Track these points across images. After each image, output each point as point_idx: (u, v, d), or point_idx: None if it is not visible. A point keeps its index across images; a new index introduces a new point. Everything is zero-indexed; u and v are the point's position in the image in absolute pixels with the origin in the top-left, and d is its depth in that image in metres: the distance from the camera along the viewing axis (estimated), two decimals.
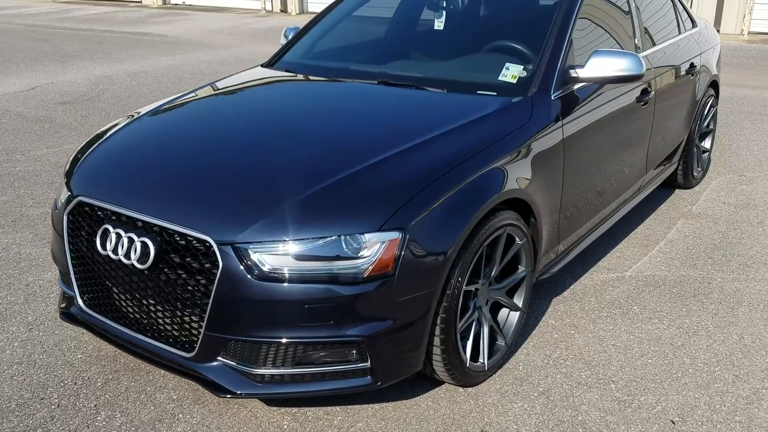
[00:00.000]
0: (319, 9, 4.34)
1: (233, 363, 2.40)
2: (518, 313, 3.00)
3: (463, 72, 3.46)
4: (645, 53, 3.91)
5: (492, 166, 2.68)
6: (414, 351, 2.49)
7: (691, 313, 3.38)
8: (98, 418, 2.64)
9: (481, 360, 2.81)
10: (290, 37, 4.03)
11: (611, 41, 3.75)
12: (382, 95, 3.25)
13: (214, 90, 3.54)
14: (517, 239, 2.85)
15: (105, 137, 3.05)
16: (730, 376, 2.90)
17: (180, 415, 2.65)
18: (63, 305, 2.91)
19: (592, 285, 3.66)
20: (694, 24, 4.94)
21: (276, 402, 2.71)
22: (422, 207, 2.42)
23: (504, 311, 3.00)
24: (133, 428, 2.58)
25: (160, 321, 2.49)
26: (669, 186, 5.02)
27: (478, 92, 3.17)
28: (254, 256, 2.29)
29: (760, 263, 3.89)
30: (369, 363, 2.40)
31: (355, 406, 2.71)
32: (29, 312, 3.36)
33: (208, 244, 2.32)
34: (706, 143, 5.22)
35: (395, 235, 2.34)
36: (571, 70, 3.21)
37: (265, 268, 2.29)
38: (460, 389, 2.81)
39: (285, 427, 2.59)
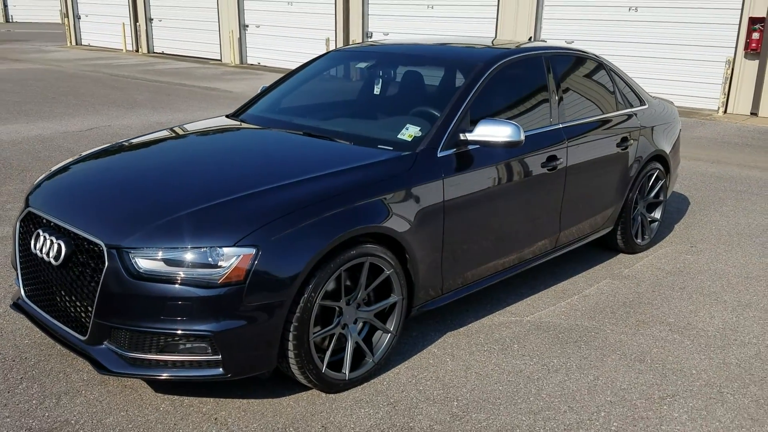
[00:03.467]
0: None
1: (114, 347, 2.97)
2: (389, 335, 3.46)
3: (375, 129, 4.03)
4: (560, 125, 4.36)
5: (356, 204, 3.20)
6: (264, 351, 2.99)
7: (563, 355, 3.74)
8: (20, 387, 3.25)
9: (343, 371, 3.28)
10: (256, 94, 4.70)
11: (526, 112, 4.24)
12: (297, 143, 3.83)
13: (168, 131, 4.24)
14: (385, 269, 3.34)
15: (61, 167, 3.75)
16: (564, 407, 3.25)
17: (83, 391, 3.23)
18: (15, 299, 3.55)
19: (490, 325, 4.07)
20: (642, 102, 5.34)
21: (161, 388, 3.25)
22: (279, 230, 2.96)
23: (378, 332, 3.47)
24: (43, 396, 3.17)
25: (67, 309, 3.09)
26: (612, 250, 5.36)
27: (379, 146, 3.70)
28: (132, 259, 2.87)
29: (657, 321, 4.20)
30: (220, 356, 2.91)
31: (226, 399, 3.21)
32: (2, 305, 4.03)
33: (100, 247, 2.93)
34: (656, 213, 5.54)
35: (249, 250, 2.88)
36: (461, 134, 3.72)
37: (140, 270, 2.87)
38: (323, 394, 3.28)
39: (161, 408, 3.13)
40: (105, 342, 2.99)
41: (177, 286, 2.85)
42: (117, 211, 3.12)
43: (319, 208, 3.10)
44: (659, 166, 5.37)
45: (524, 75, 4.35)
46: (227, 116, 4.56)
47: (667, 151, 5.45)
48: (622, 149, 4.89)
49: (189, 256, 2.87)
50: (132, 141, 4.09)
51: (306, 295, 3.02)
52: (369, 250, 3.23)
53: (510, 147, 3.71)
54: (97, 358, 2.98)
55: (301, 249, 2.99)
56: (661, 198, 5.54)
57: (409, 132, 3.76)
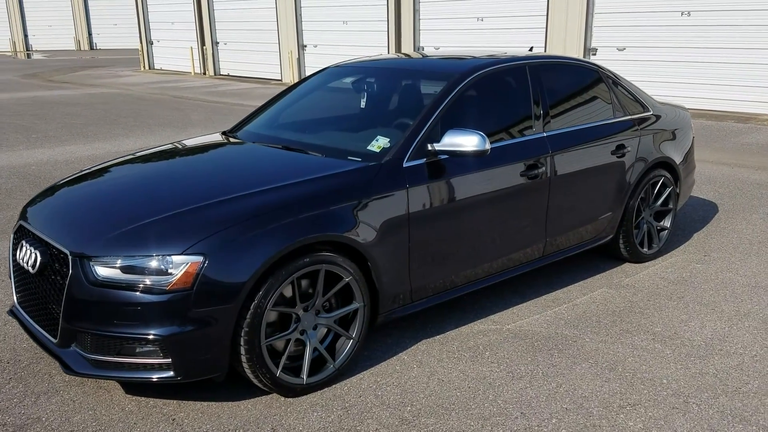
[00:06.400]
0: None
1: (79, 349, 3.18)
2: (350, 341, 3.55)
3: (349, 141, 4.15)
4: (543, 134, 4.36)
5: (310, 213, 3.31)
6: (215, 355, 3.13)
7: (533, 363, 3.74)
8: (6, 386, 3.51)
9: (302, 375, 3.39)
10: (254, 110, 4.90)
11: (504, 122, 4.29)
12: (271, 156, 3.99)
13: (155, 149, 4.49)
14: (343, 277, 3.44)
15: (55, 184, 4.03)
16: (517, 413, 3.27)
17: (62, 391, 3.46)
18: (12, 306, 3.83)
19: (468, 332, 4.10)
20: (645, 109, 5.26)
21: (132, 390, 3.44)
22: (228, 239, 3.11)
23: (343, 338, 3.56)
24: (24, 395, 3.42)
25: (44, 314, 3.33)
26: (617, 259, 5.29)
27: (348, 157, 3.82)
28: (92, 267, 3.08)
29: (642, 331, 4.13)
30: (170, 360, 3.07)
31: (188, 401, 3.37)
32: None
33: (66, 256, 3.15)
34: (666, 222, 5.43)
35: (197, 258, 3.05)
36: (428, 144, 3.79)
37: (99, 277, 3.07)
38: (281, 398, 3.40)
39: (126, 408, 3.32)
40: (72, 345, 3.20)
41: (130, 292, 3.03)
42: (85, 222, 3.35)
43: (270, 218, 3.23)
44: (665, 173, 5.26)
45: (504, 85, 4.38)
46: (222, 133, 4.77)
47: (675, 158, 5.34)
48: (618, 156, 4.84)
49: (142, 263, 3.05)
50: (121, 159, 4.35)
51: (256, 302, 3.15)
52: (324, 258, 3.33)
53: (477, 156, 3.76)
54: (65, 359, 3.20)
55: (249, 257, 3.12)
56: (670, 206, 5.42)
57: (378, 143, 3.86)
